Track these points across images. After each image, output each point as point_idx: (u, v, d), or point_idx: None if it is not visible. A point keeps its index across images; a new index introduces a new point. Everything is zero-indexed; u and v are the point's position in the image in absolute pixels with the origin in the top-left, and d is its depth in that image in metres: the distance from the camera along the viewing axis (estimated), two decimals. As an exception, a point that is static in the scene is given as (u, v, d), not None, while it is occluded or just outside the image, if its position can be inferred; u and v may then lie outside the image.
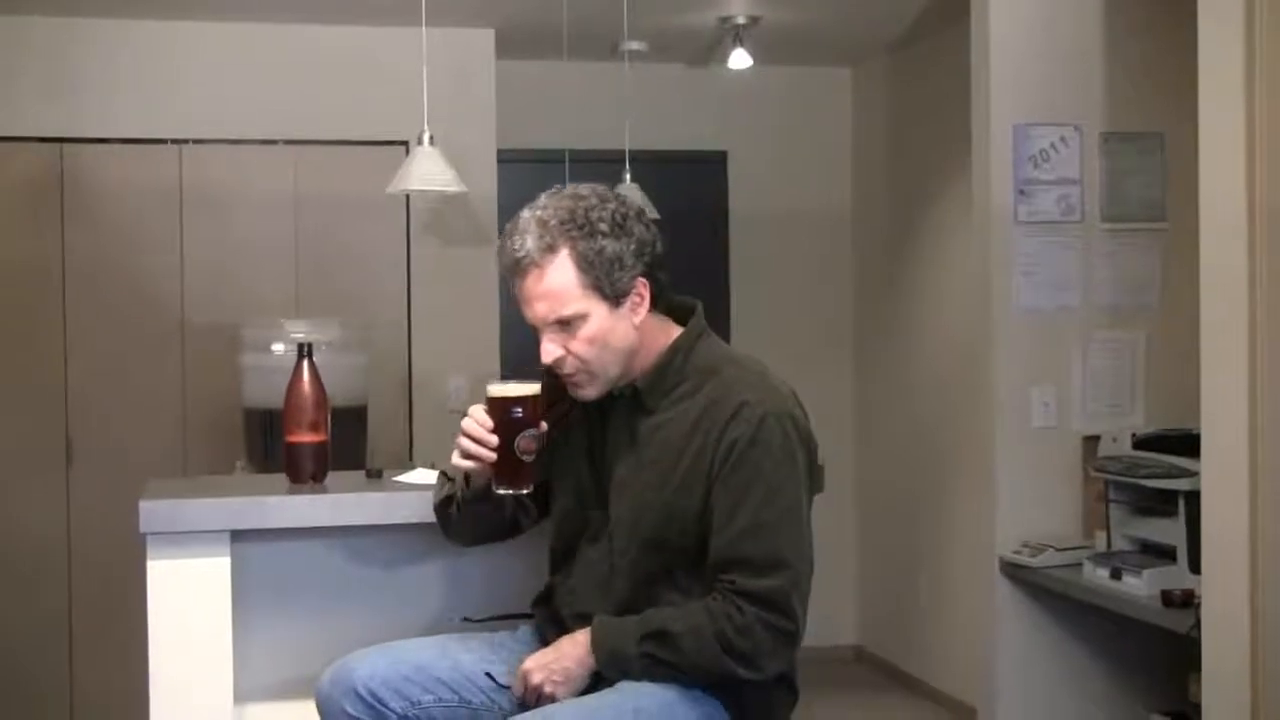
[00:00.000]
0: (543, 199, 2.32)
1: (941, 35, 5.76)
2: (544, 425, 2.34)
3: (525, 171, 6.16)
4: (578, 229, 2.26)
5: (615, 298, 2.29)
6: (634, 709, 2.24)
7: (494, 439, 2.31)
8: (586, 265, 2.26)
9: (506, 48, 5.88)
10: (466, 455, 2.34)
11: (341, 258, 5.71)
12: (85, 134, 5.53)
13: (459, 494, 2.45)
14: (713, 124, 6.69)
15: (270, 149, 5.67)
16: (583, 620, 2.35)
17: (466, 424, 2.33)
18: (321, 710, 2.36)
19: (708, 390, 2.32)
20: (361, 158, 5.63)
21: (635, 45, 5.75)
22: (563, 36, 5.42)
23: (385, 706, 2.32)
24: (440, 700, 2.36)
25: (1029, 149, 4.53)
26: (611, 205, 2.30)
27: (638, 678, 2.26)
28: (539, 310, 2.29)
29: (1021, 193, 4.53)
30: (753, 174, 6.79)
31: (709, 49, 6.19)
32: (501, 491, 2.35)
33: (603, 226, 2.27)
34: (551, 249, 2.25)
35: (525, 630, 2.52)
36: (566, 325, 2.28)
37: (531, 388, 2.35)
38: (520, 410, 2.32)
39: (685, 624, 2.25)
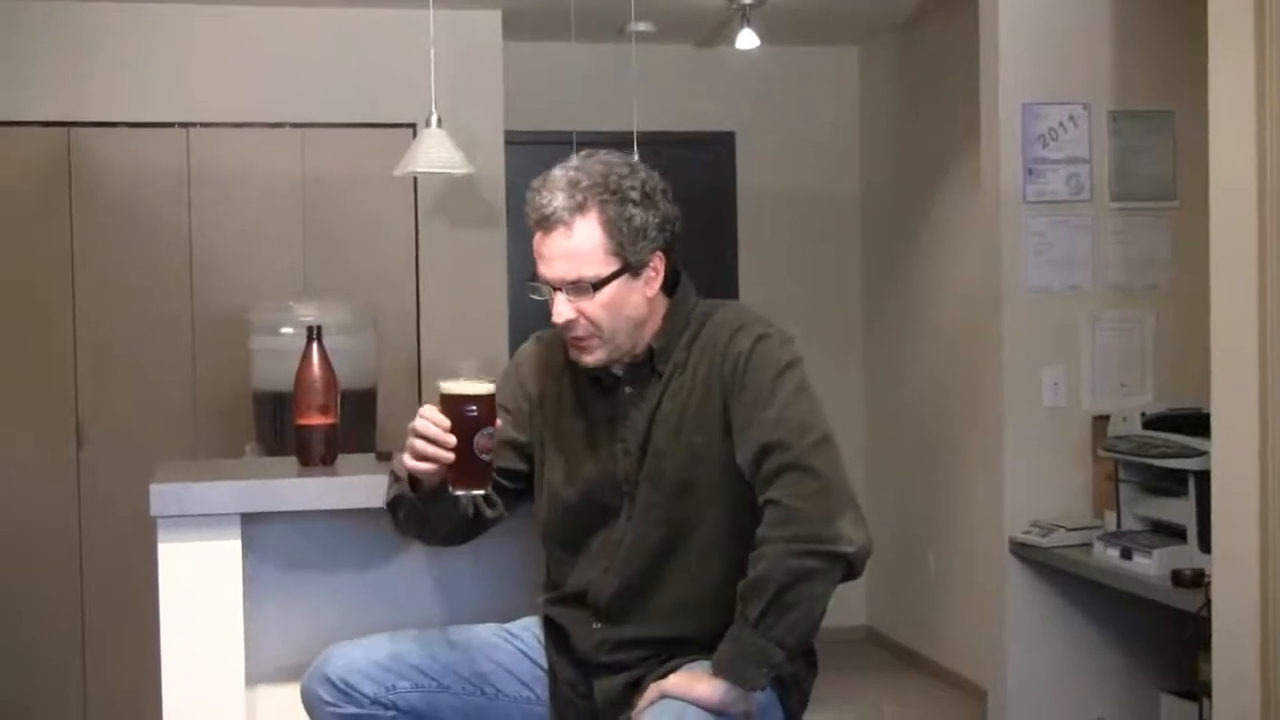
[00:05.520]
0: (575, 160, 2.31)
1: (949, 13, 5.74)
2: (499, 423, 2.28)
3: (533, 153, 6.11)
4: (609, 193, 2.26)
5: (635, 267, 2.29)
6: None
7: (451, 439, 2.22)
8: (613, 230, 2.26)
9: (513, 29, 5.87)
10: (421, 457, 2.24)
11: (350, 240, 5.71)
12: (93, 118, 5.53)
13: (409, 495, 2.37)
14: (721, 104, 6.68)
15: (278, 132, 5.67)
16: (607, 614, 2.33)
17: (420, 424, 2.23)
18: (304, 701, 2.39)
19: (706, 331, 2.34)
20: (369, 140, 5.62)
21: (643, 26, 5.74)
22: (570, 17, 5.41)
23: (358, 692, 2.33)
24: (417, 686, 2.37)
25: (1037, 128, 4.52)
26: (641, 175, 2.31)
27: (790, 654, 2.20)
28: (559, 269, 2.27)
29: (1030, 172, 4.51)
30: (761, 154, 6.78)
31: (716, 29, 6.17)
32: (460, 493, 2.28)
33: (633, 195, 2.27)
34: (581, 209, 2.25)
35: (525, 623, 2.50)
36: (583, 287, 2.27)
37: (486, 386, 2.28)
38: (475, 408, 2.24)
39: (763, 564, 2.18)
